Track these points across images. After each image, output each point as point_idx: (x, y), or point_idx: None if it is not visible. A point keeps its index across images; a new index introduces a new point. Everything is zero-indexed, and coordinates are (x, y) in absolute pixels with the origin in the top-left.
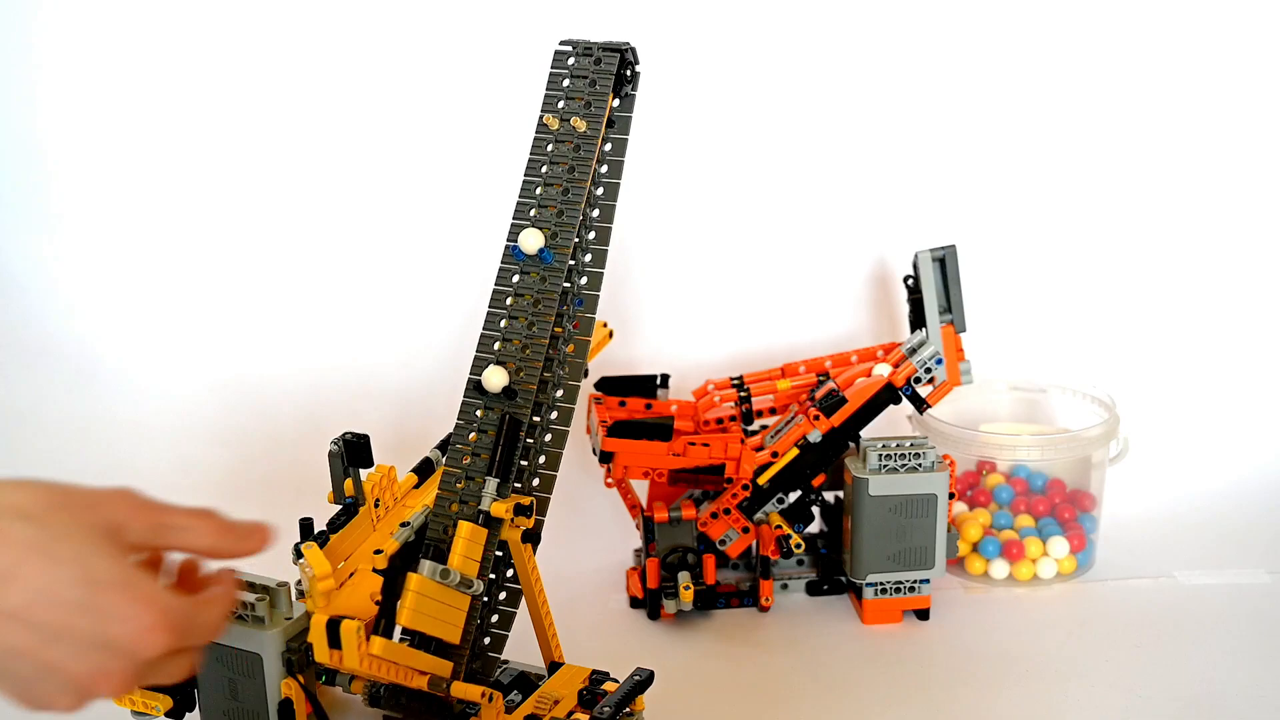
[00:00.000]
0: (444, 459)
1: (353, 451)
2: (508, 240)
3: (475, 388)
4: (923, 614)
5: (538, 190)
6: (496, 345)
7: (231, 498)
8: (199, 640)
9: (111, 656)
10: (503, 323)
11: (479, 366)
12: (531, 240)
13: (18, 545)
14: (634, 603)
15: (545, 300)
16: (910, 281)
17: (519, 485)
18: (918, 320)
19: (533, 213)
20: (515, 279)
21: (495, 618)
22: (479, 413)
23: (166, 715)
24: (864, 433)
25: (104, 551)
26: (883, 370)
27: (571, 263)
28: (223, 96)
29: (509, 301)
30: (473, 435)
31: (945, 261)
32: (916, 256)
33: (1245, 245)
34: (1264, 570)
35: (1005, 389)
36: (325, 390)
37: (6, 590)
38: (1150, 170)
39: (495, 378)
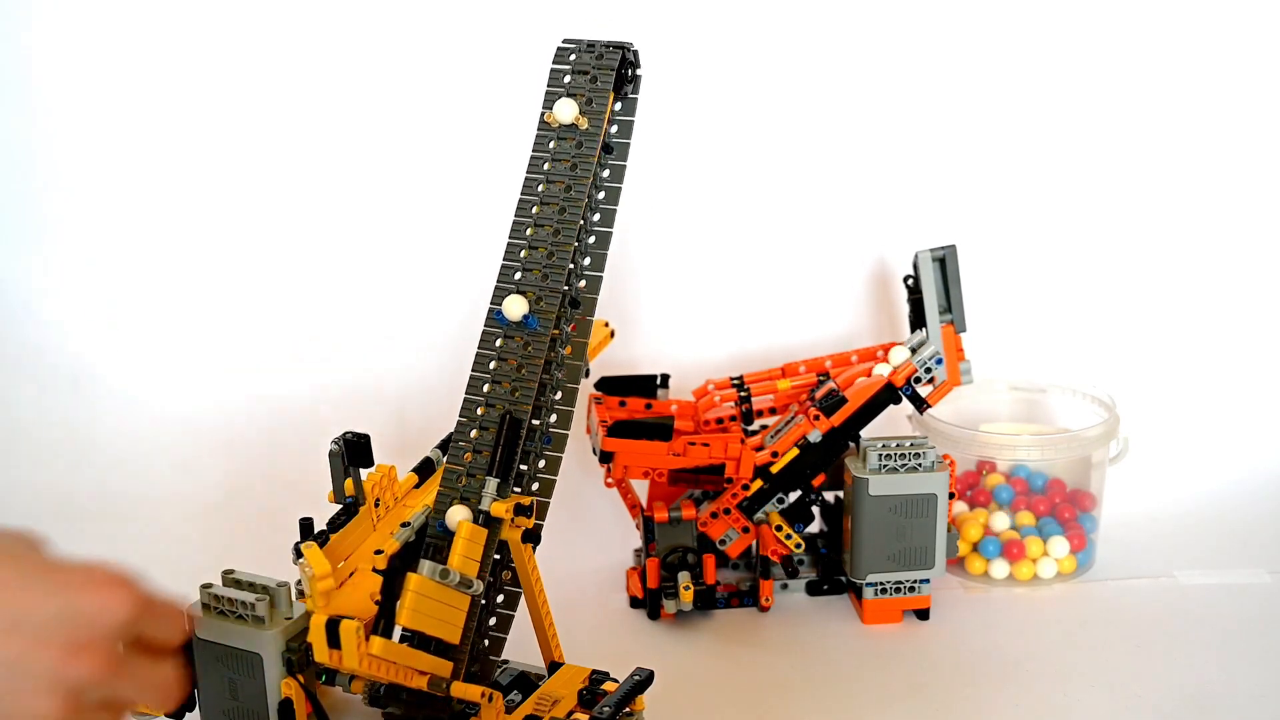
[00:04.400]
0: (445, 458)
1: (353, 451)
2: (502, 264)
3: (476, 385)
4: (923, 614)
5: (539, 187)
6: (498, 341)
7: (232, 498)
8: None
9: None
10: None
11: (480, 365)
12: (516, 307)
13: None
14: (634, 603)
15: (547, 299)
16: (910, 281)
17: (518, 487)
18: (918, 320)
19: (534, 210)
20: (517, 276)
21: (493, 620)
22: (479, 410)
23: (167, 715)
24: (864, 433)
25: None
26: (898, 356)
27: (571, 266)
28: (222, 96)
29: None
30: (475, 432)
31: (945, 261)
32: (916, 256)
33: (1245, 246)
34: (1264, 570)
35: (1005, 389)
36: (325, 390)
37: None
38: (1150, 171)
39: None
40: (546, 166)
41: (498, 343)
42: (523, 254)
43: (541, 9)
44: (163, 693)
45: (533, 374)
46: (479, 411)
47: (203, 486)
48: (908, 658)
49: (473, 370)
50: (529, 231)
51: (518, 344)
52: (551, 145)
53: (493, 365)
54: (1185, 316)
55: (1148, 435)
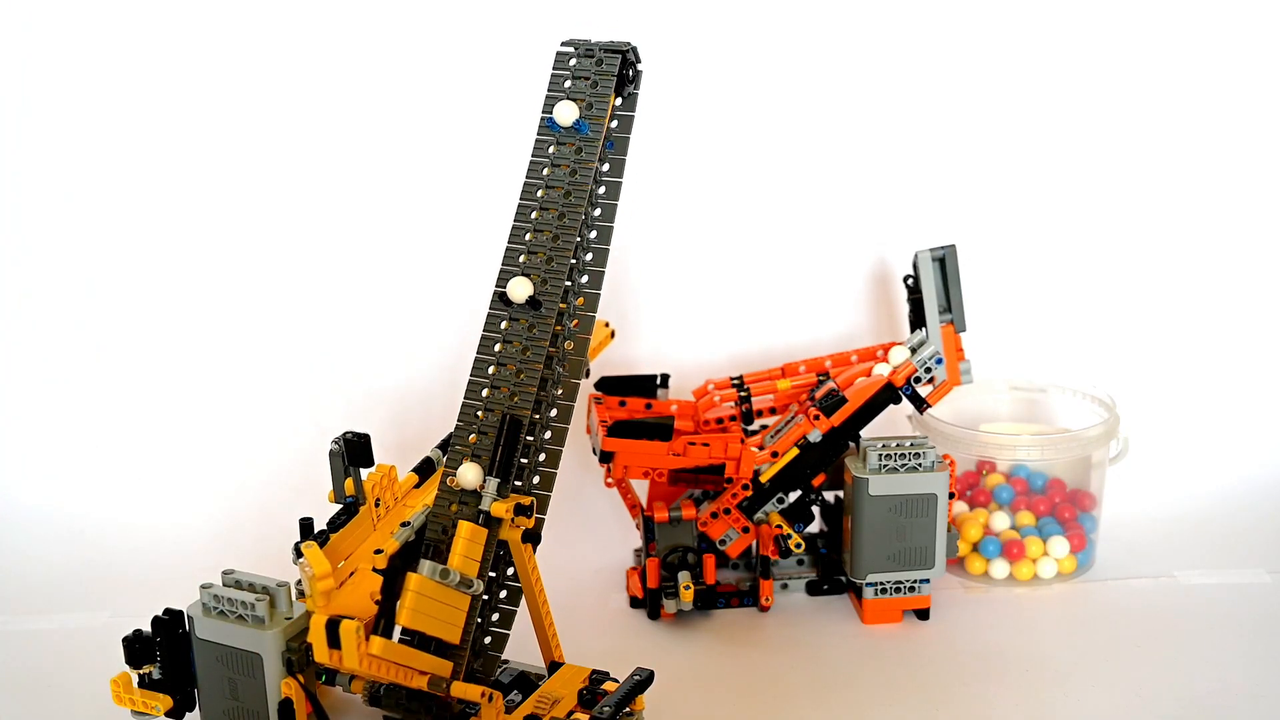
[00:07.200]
0: (444, 459)
1: (353, 451)
2: (502, 269)
3: (474, 389)
4: (923, 614)
5: (539, 193)
6: (497, 347)
7: (232, 497)
8: None
9: None
10: (503, 324)
11: (480, 367)
12: (521, 289)
13: None
14: (634, 603)
15: (546, 302)
16: (910, 281)
17: (519, 484)
18: (918, 320)
19: (534, 215)
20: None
21: (496, 616)
22: (480, 414)
23: (166, 715)
24: (864, 433)
25: None
26: (898, 356)
27: (573, 262)
28: (223, 95)
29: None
30: (473, 437)
31: (945, 261)
32: (916, 256)
33: (1245, 246)
34: (1264, 570)
35: (1005, 389)
36: (325, 390)
37: None
38: (1150, 171)
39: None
40: (546, 171)
41: (496, 348)
42: (527, 237)
43: (541, 8)
44: None
45: (532, 378)
46: (478, 415)
47: (203, 484)
48: (908, 658)
49: (471, 375)
50: (528, 237)
51: (516, 349)
52: (551, 150)
53: (491, 370)
54: (1185, 317)
55: (1148, 435)
